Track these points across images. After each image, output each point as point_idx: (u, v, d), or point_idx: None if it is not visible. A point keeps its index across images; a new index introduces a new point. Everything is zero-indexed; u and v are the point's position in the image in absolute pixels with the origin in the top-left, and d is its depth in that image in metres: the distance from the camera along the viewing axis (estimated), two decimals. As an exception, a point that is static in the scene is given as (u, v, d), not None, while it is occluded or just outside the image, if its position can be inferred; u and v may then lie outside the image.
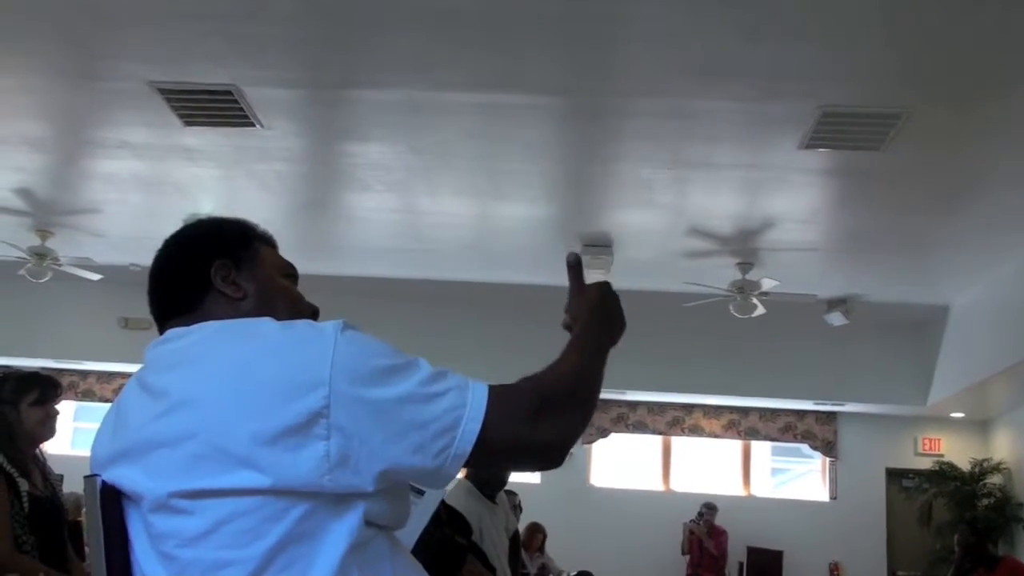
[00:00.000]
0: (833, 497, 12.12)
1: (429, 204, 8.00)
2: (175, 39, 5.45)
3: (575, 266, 1.59)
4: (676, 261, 8.93)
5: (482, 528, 4.05)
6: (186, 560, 1.23)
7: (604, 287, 1.57)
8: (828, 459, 12.24)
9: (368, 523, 1.26)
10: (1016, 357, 8.49)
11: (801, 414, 12.17)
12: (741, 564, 11.65)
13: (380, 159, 7.12)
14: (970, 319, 9.73)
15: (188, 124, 6.54)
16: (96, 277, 9.58)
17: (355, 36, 5.35)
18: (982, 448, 11.64)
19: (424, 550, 2.17)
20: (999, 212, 7.33)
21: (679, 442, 12.57)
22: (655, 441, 12.58)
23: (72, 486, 4.89)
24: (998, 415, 11.49)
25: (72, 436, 12.60)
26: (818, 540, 11.57)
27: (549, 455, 1.32)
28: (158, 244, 1.53)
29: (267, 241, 1.57)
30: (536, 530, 9.69)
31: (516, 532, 5.42)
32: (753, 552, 11.61)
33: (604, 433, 12.33)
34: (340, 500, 1.23)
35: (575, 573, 9.34)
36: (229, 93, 6.02)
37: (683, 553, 11.16)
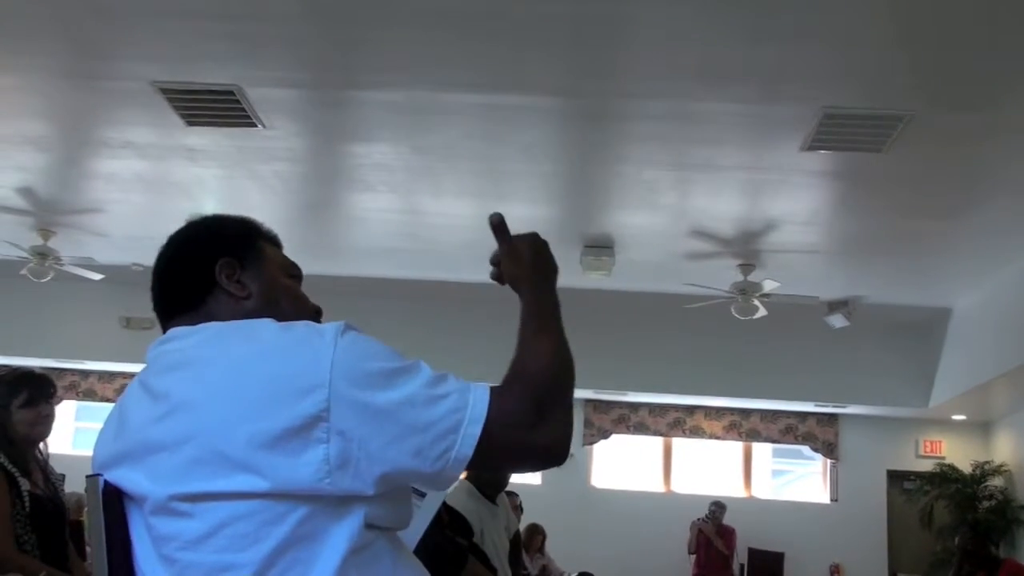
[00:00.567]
0: (834, 499, 12.12)
1: (431, 205, 8.00)
2: (177, 39, 5.45)
3: (499, 226, 1.55)
4: (678, 263, 8.92)
5: (483, 529, 4.04)
6: (186, 563, 1.22)
7: (534, 240, 1.54)
8: (829, 461, 12.24)
9: (370, 525, 1.25)
10: (1018, 360, 8.48)
11: (802, 416, 12.17)
12: (742, 566, 11.64)
13: (382, 160, 7.12)
14: (972, 322, 9.72)
15: (190, 124, 6.54)
16: (98, 277, 9.58)
17: (357, 36, 5.35)
18: (983, 450, 11.63)
19: (425, 551, 2.16)
20: (1001, 215, 7.32)
21: (680, 443, 12.57)
22: (656, 442, 12.58)
23: (73, 486, 4.89)
24: (999, 417, 11.48)
25: (73, 436, 12.62)
26: (819, 542, 11.57)
27: (553, 454, 1.31)
28: (160, 244, 1.52)
29: (271, 240, 1.56)
30: (536, 531, 9.69)
31: (517, 533, 5.42)
32: (754, 554, 11.61)
33: (605, 434, 12.33)
34: (341, 503, 1.22)
35: (576, 574, 9.34)
36: (231, 93, 6.02)
37: (690, 552, 11.13)
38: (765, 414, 12.19)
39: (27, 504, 3.25)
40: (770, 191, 7.26)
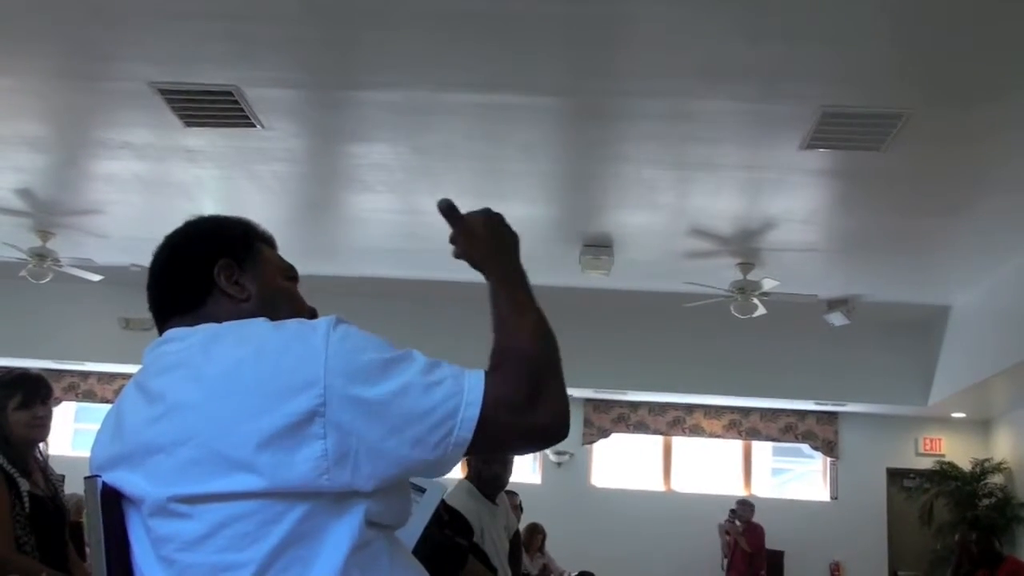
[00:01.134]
0: (834, 497, 12.12)
1: (430, 205, 7.91)
2: (176, 40, 5.45)
3: (448, 210, 1.56)
4: (677, 261, 8.92)
5: (483, 529, 4.05)
6: (186, 564, 1.22)
7: (487, 215, 1.54)
8: (829, 459, 12.24)
9: (369, 523, 1.25)
10: (1017, 357, 8.48)
11: (802, 414, 12.17)
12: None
13: (381, 160, 7.12)
14: (971, 319, 9.73)
15: (189, 125, 6.54)
16: (97, 278, 9.57)
17: (356, 36, 5.35)
18: (983, 448, 11.64)
19: (425, 551, 2.16)
20: (1000, 212, 7.33)
21: (680, 442, 12.57)
22: (656, 441, 12.58)
23: (73, 487, 4.88)
24: (999, 415, 11.49)
25: (73, 437, 12.61)
26: (819, 540, 11.57)
27: (553, 430, 1.30)
28: (159, 245, 1.52)
29: (268, 241, 1.56)
30: (536, 531, 9.68)
31: (517, 532, 5.42)
32: (754, 552, 11.61)
33: (605, 433, 12.33)
34: (340, 501, 1.22)
35: (576, 573, 9.34)
36: (230, 94, 6.02)
37: (724, 556, 11.04)
38: (765, 413, 12.19)
39: (27, 505, 3.25)
40: (769, 190, 7.26)
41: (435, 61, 5.56)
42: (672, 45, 5.23)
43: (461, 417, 1.23)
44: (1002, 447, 11.42)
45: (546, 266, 8.87)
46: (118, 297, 9.94)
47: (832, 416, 12.16)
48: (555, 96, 5.97)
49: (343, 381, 1.21)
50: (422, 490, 2.48)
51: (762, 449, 12.73)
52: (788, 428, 12.22)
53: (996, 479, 11.08)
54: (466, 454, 1.27)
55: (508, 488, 4.81)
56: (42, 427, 3.45)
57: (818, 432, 12.19)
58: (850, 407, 11.77)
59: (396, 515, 1.34)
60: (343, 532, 1.22)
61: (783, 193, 7.28)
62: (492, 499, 4.30)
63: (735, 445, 12.52)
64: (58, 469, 3.86)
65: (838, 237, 8.32)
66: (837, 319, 9.89)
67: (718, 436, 12.32)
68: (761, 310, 9.02)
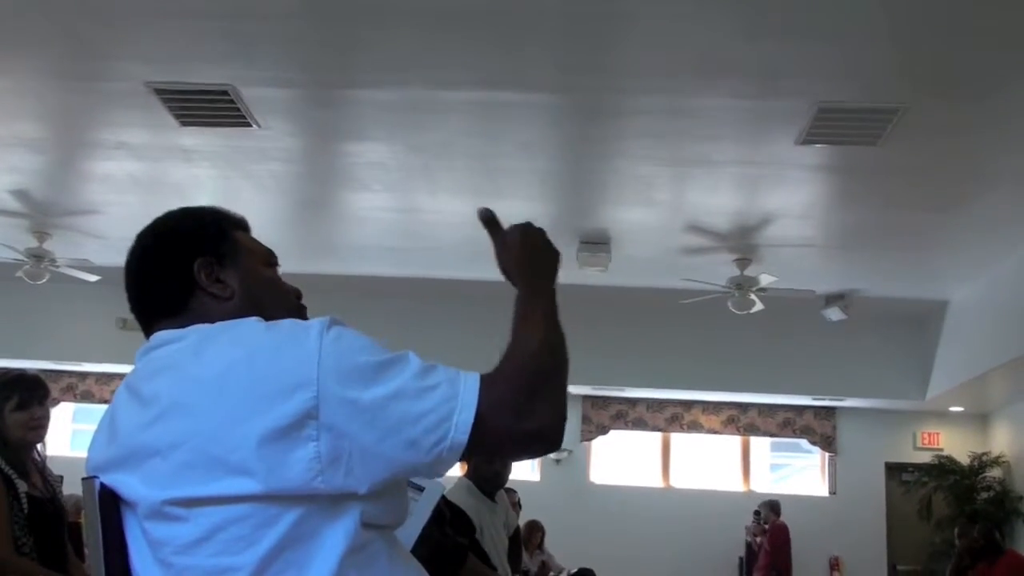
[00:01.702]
0: (832, 492, 12.14)
1: (427, 203, 7.99)
2: (171, 39, 5.44)
3: (489, 221, 1.54)
4: (674, 258, 8.92)
5: (483, 527, 4.05)
6: (182, 567, 1.22)
7: (526, 229, 1.51)
8: (827, 454, 12.25)
9: (366, 524, 1.25)
10: (1015, 351, 8.49)
11: (800, 409, 12.18)
12: (741, 559, 11.66)
13: (378, 158, 7.11)
14: (969, 314, 9.73)
15: (184, 124, 6.53)
16: (94, 278, 9.56)
17: (352, 35, 5.34)
18: (981, 442, 11.65)
19: (424, 550, 2.16)
20: (998, 207, 7.33)
21: (678, 438, 12.58)
22: (654, 438, 12.58)
23: (72, 487, 4.87)
24: (997, 409, 11.50)
25: (71, 437, 12.60)
26: (818, 535, 11.57)
27: (546, 438, 1.28)
28: (132, 246, 1.49)
29: (241, 226, 1.53)
30: (535, 528, 9.68)
31: (517, 529, 5.43)
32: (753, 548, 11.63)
33: (603, 430, 12.33)
34: (335, 503, 1.22)
35: (575, 570, 9.34)
36: (225, 93, 6.01)
37: (751, 548, 11.20)
38: (763, 408, 12.20)
39: (25, 506, 3.24)
40: (766, 185, 7.26)
41: (431, 59, 5.55)
42: (669, 42, 5.23)
43: (456, 420, 1.21)
44: (1000, 441, 11.43)
45: (543, 263, 8.85)
46: (115, 297, 9.70)
47: (830, 411, 12.17)
48: (552, 93, 5.97)
49: (336, 383, 1.20)
50: (421, 488, 2.47)
51: (760, 445, 12.73)
52: (786, 423, 12.23)
53: (994, 473, 11.09)
54: (461, 458, 1.25)
55: (507, 485, 4.82)
56: (40, 428, 3.44)
57: (816, 427, 12.20)
58: (848, 402, 11.78)
59: (393, 516, 1.33)
60: (339, 535, 1.22)
61: (780, 189, 7.29)
62: (491, 497, 4.30)
63: (733, 441, 12.53)
64: (56, 469, 3.85)
65: (835, 232, 8.32)
66: (834, 314, 9.89)
67: (716, 432, 12.33)
68: (759, 306, 9.02)
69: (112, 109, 6.47)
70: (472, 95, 6.00)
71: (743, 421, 12.24)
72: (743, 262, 8.84)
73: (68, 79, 6.07)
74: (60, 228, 9.07)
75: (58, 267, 9.32)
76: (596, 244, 8.61)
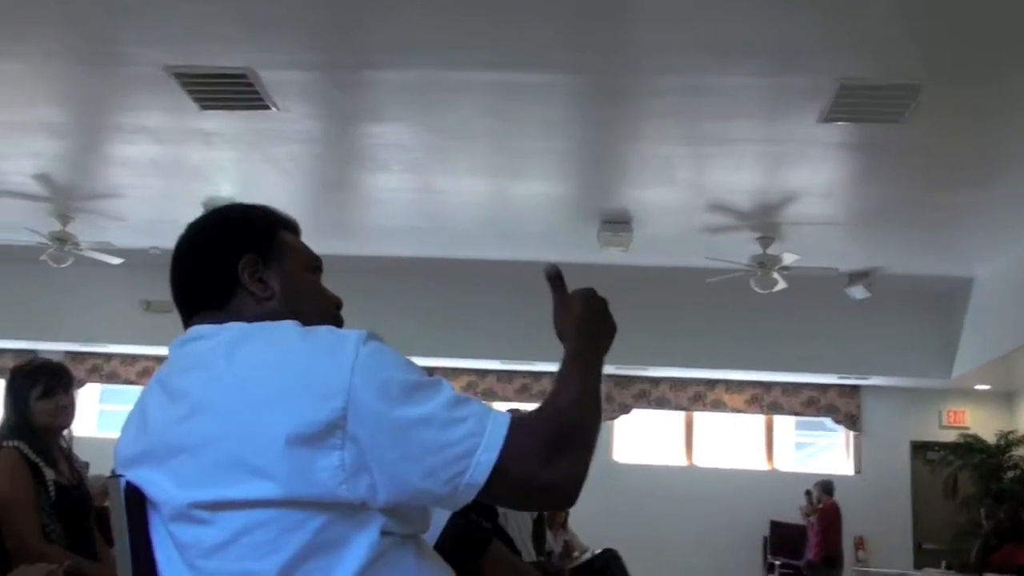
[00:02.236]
0: (858, 471, 12.09)
1: (447, 183, 7.98)
2: (190, 23, 5.44)
3: (555, 278, 1.53)
4: (696, 237, 8.88)
5: (506, 511, 4.04)
6: (207, 571, 1.23)
7: (587, 295, 1.51)
8: (852, 433, 12.20)
9: (390, 533, 1.24)
10: (1041, 328, 8.42)
11: (824, 388, 12.12)
12: (765, 538, 11.66)
13: (397, 139, 7.10)
14: (994, 291, 9.64)
15: (204, 108, 6.54)
16: (117, 261, 9.62)
17: (370, 16, 5.32)
18: (1007, 420, 11.56)
19: (448, 535, 2.16)
20: (1022, 184, 7.24)
21: (701, 417, 12.56)
22: (678, 417, 12.57)
23: (98, 469, 4.91)
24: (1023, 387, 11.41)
25: (98, 418, 12.72)
26: (843, 514, 11.53)
27: (562, 493, 1.26)
28: (177, 227, 1.50)
29: (291, 227, 1.53)
30: (559, 507, 9.70)
31: (540, 512, 5.41)
32: (776, 526, 11.62)
33: (626, 409, 12.33)
34: (359, 511, 1.21)
35: (600, 550, 9.35)
36: (244, 76, 6.01)
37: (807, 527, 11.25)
38: (787, 387, 12.15)
39: (52, 493, 3.27)
40: (788, 163, 7.20)
41: (449, 40, 5.53)
42: (687, 20, 5.18)
43: (477, 459, 1.20)
44: (1027, 418, 11.36)
45: (564, 243, 8.86)
46: (138, 279, 9.98)
47: (854, 389, 12.11)
48: (570, 73, 5.93)
49: (367, 396, 1.19)
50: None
51: (784, 423, 12.70)
52: (810, 402, 12.18)
53: (1021, 451, 11.01)
54: (475, 499, 1.23)
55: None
56: (65, 415, 3.47)
57: (840, 406, 12.14)
58: (872, 380, 11.71)
59: (416, 524, 1.32)
60: (363, 543, 1.21)
61: (802, 166, 7.23)
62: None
63: (757, 419, 12.50)
64: (84, 451, 3.87)
65: (858, 210, 8.25)
66: (858, 292, 9.83)
67: (740, 411, 12.30)
68: (782, 284, 8.97)
69: (132, 93, 6.49)
70: (490, 75, 5.98)
71: (767, 400, 12.20)
72: (766, 240, 8.79)
73: (88, 64, 6.08)
74: (83, 212, 9.13)
75: (81, 250, 9.38)
76: (617, 224, 8.58)
